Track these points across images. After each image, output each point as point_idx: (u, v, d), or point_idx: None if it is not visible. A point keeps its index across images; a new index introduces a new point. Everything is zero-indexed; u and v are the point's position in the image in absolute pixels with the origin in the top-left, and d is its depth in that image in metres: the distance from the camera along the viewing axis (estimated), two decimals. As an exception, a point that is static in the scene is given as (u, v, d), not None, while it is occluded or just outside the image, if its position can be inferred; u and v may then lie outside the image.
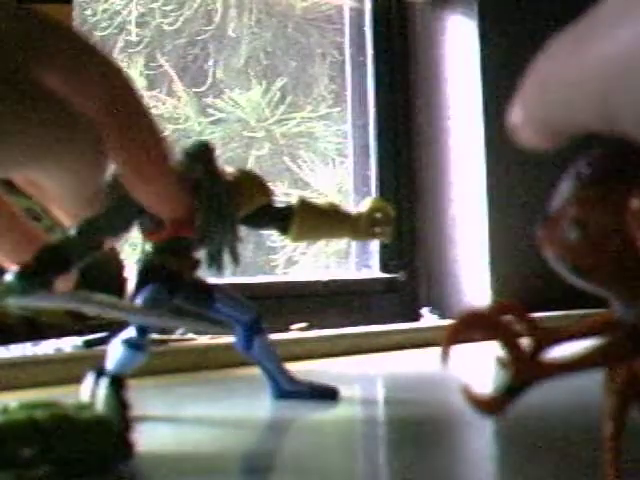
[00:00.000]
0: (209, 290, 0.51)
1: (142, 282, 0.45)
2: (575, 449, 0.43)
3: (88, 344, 0.75)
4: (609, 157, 0.37)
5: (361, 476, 0.41)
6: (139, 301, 0.46)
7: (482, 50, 1.19)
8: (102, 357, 0.46)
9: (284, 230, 0.56)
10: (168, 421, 0.55)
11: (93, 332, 0.76)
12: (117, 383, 0.42)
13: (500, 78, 1.21)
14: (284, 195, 1.20)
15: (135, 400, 0.43)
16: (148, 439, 0.43)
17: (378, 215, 0.60)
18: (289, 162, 1.20)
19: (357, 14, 1.26)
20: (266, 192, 0.54)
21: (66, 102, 0.30)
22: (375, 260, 1.22)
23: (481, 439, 0.47)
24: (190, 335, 0.85)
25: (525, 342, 0.36)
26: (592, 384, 0.36)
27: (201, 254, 0.48)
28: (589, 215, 0.35)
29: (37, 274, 0.34)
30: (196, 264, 0.48)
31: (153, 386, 0.68)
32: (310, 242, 0.65)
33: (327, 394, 0.56)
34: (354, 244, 1.23)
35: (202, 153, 0.45)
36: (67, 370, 0.65)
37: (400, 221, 1.24)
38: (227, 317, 0.53)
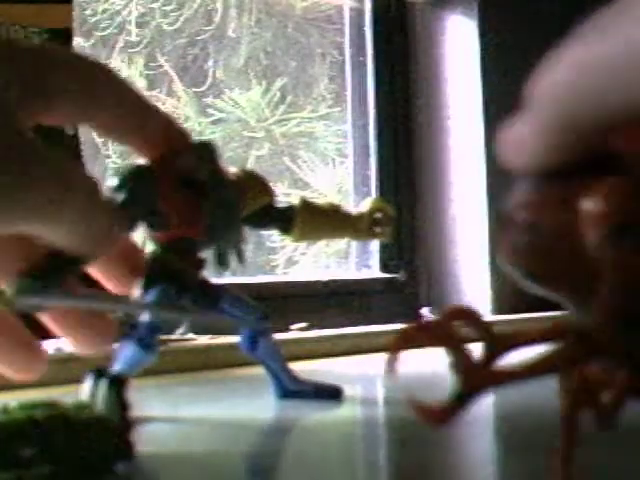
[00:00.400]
0: (215, 290, 0.51)
1: (149, 282, 0.45)
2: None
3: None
4: None
5: (362, 476, 0.41)
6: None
7: (482, 50, 1.20)
8: (102, 357, 0.45)
9: (286, 230, 0.56)
10: (168, 421, 0.55)
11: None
12: (117, 383, 0.42)
13: (500, 78, 1.21)
14: (284, 195, 1.20)
15: (135, 400, 0.43)
16: (148, 439, 0.43)
17: (379, 215, 0.60)
18: (289, 162, 1.20)
19: (357, 14, 1.26)
20: (268, 192, 0.54)
21: (57, 157, 0.31)
22: (375, 260, 1.22)
23: (482, 439, 0.47)
24: (190, 335, 0.85)
25: (479, 348, 0.35)
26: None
27: (207, 254, 0.48)
28: (540, 218, 0.34)
29: (49, 272, 0.34)
30: (202, 264, 0.48)
31: (153, 386, 0.68)
32: (311, 242, 0.65)
33: (331, 394, 0.56)
34: (354, 244, 1.23)
35: (206, 153, 0.45)
36: (67, 370, 0.65)
37: (400, 221, 1.24)
38: (233, 317, 0.53)
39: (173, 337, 0.84)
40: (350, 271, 1.22)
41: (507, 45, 1.23)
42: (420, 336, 0.34)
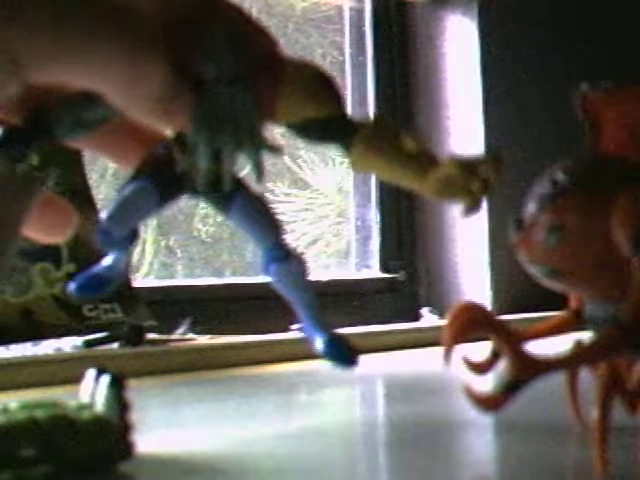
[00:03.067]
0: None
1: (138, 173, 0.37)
2: (570, 448, 0.43)
3: (88, 344, 0.75)
4: (584, 165, 0.38)
5: (361, 477, 0.41)
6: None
7: (482, 50, 1.20)
8: (102, 357, 0.46)
9: (346, 148, 0.41)
10: (168, 421, 0.55)
11: (93, 332, 0.76)
12: (117, 383, 0.42)
13: (500, 78, 1.21)
14: (284, 195, 1.20)
15: (135, 400, 0.43)
16: (148, 439, 0.43)
17: (484, 169, 0.43)
18: (289, 162, 1.21)
19: (357, 14, 1.26)
20: (336, 99, 0.41)
21: None
22: (375, 260, 1.22)
23: (482, 439, 0.47)
24: (190, 335, 0.85)
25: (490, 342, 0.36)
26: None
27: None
28: (568, 220, 0.36)
29: (19, 138, 0.31)
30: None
31: (153, 386, 0.68)
32: (378, 174, 0.44)
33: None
34: (354, 244, 1.23)
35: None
36: (67, 370, 0.65)
37: (400, 221, 1.24)
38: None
39: (173, 337, 0.84)
40: (350, 271, 1.22)
41: (507, 45, 1.23)
42: (468, 330, 0.35)
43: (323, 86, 0.40)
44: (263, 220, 0.41)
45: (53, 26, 0.28)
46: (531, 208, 0.38)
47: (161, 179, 0.37)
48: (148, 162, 0.37)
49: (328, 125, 0.40)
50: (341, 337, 0.44)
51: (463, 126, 1.21)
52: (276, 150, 0.37)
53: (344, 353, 0.41)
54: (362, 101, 1.24)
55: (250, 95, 0.35)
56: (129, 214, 0.37)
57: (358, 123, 0.41)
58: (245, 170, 0.37)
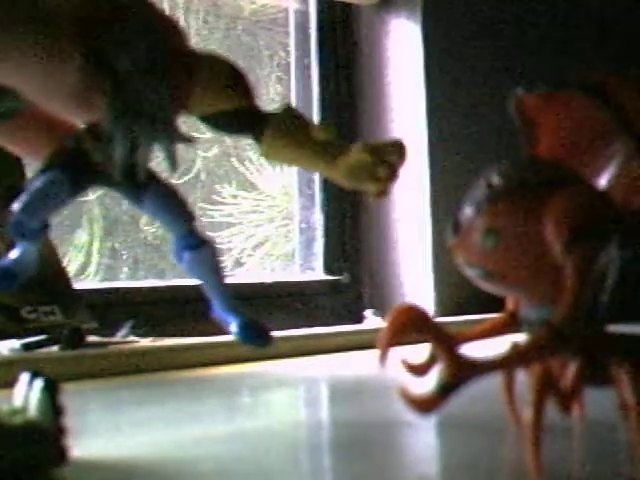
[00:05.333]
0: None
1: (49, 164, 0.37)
2: (506, 447, 0.44)
3: (27, 347, 0.74)
4: (519, 168, 0.38)
5: (304, 478, 0.41)
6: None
7: (426, 53, 1.20)
8: (41, 360, 0.45)
9: (257, 139, 0.44)
10: (107, 425, 0.54)
11: (32, 335, 0.75)
12: (51, 387, 0.42)
13: (443, 81, 1.22)
14: (232, 197, 1.19)
15: (72, 404, 0.42)
16: (86, 444, 0.43)
17: (391, 156, 0.45)
18: (237, 163, 1.20)
19: (302, 16, 1.26)
20: (246, 91, 0.43)
21: None
22: (319, 262, 1.22)
23: (423, 440, 0.48)
24: (132, 337, 0.84)
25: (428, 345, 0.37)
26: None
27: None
28: (503, 224, 0.36)
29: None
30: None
31: (93, 389, 0.67)
32: (285, 163, 0.48)
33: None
34: (298, 245, 1.23)
35: None
36: (5, 373, 0.64)
37: (344, 223, 1.24)
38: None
39: (114, 340, 0.83)
40: (294, 273, 1.22)
41: (450, 48, 1.24)
42: (406, 332, 0.36)
43: (233, 80, 0.42)
44: (175, 210, 0.42)
45: None
46: (467, 211, 0.38)
47: (72, 170, 0.37)
48: (58, 154, 0.37)
49: (239, 117, 0.42)
50: (253, 319, 0.45)
51: (407, 128, 1.22)
52: (189, 141, 0.38)
53: (258, 334, 0.45)
54: (307, 102, 1.25)
55: (164, 86, 0.35)
56: (41, 205, 0.37)
57: (267, 114, 0.44)
58: (158, 160, 0.38)
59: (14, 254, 0.39)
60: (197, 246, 0.44)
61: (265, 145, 0.44)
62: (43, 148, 0.37)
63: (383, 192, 0.45)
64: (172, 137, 0.37)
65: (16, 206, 0.36)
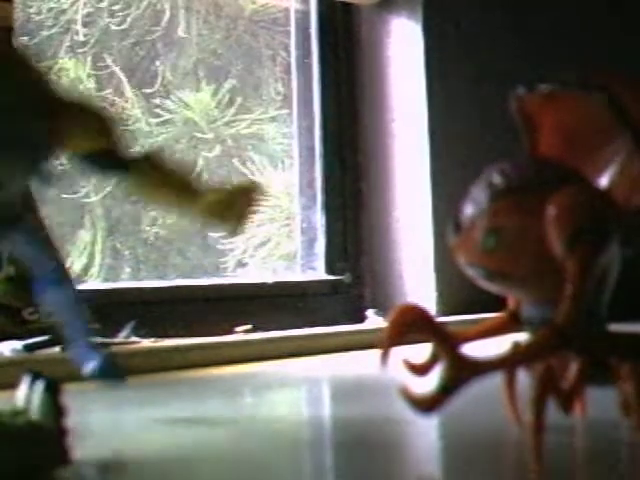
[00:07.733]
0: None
1: None
2: (508, 446, 0.44)
3: (28, 348, 0.74)
4: (520, 168, 0.38)
5: (307, 476, 0.41)
6: None
7: (426, 52, 1.20)
8: (42, 361, 0.45)
9: (123, 178, 0.49)
10: (110, 425, 0.54)
11: (33, 336, 0.75)
12: (52, 388, 0.42)
13: (444, 80, 1.22)
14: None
15: (74, 405, 0.42)
16: (85, 445, 0.43)
17: (248, 198, 0.51)
18: (238, 164, 1.20)
19: (303, 16, 1.26)
20: (110, 135, 0.47)
21: None
22: (320, 262, 1.22)
23: (425, 439, 0.48)
24: (134, 338, 0.84)
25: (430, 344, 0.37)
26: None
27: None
28: (504, 223, 0.36)
29: None
30: None
31: (95, 390, 0.67)
32: (150, 201, 0.57)
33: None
34: (300, 247, 1.23)
35: None
36: (7, 375, 0.64)
37: (345, 223, 1.24)
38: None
39: (116, 340, 0.83)
40: (296, 273, 1.22)
41: (451, 47, 1.24)
42: (407, 332, 0.36)
43: (99, 123, 0.47)
44: (42, 248, 0.47)
45: None
46: (468, 211, 0.38)
47: None
48: None
49: (105, 158, 0.47)
50: (111, 357, 0.51)
51: (407, 128, 1.22)
52: (56, 181, 0.42)
53: (115, 371, 0.51)
54: (307, 102, 1.25)
55: (30, 126, 0.39)
56: None
57: (131, 158, 0.49)
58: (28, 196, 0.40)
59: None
60: (59, 284, 0.48)
61: (130, 184, 0.49)
62: None
63: (233, 232, 0.52)
64: (44, 176, 0.41)
65: None
